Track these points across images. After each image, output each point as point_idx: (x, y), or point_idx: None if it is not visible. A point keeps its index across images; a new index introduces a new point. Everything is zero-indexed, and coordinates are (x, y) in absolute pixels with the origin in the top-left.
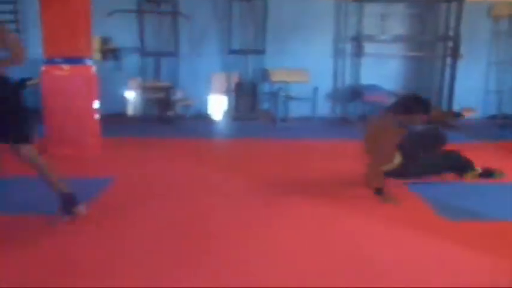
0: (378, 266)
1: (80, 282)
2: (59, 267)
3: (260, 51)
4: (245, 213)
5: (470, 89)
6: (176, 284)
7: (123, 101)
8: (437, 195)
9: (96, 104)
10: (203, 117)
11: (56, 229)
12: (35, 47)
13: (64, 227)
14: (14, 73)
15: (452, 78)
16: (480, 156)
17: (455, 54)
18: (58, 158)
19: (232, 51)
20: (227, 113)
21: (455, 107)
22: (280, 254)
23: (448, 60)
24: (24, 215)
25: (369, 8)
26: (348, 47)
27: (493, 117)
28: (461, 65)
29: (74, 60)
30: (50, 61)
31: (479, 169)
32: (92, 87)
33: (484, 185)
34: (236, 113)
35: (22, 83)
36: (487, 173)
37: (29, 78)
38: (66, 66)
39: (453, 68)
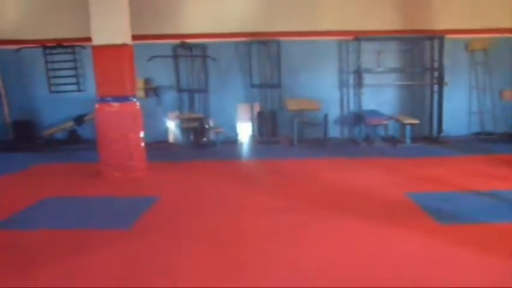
0: (382, 267)
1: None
2: (119, 270)
3: (276, 85)
4: (273, 223)
5: (456, 111)
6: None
7: (165, 130)
8: (432, 202)
9: (141, 134)
10: (232, 142)
11: (110, 239)
12: (90, 88)
13: (118, 237)
14: (76, 110)
15: (440, 102)
16: (467, 167)
17: (440, 82)
18: (110, 180)
19: (254, 85)
20: (252, 138)
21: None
22: (309, 255)
23: (435, 87)
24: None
25: (367, 46)
26: (351, 79)
27: (477, 134)
28: (446, 91)
29: (122, 98)
30: (102, 100)
31: None
32: (138, 120)
33: (468, 193)
34: (259, 137)
35: (81, 117)
36: None
37: (87, 114)
38: (115, 104)
39: (440, 93)
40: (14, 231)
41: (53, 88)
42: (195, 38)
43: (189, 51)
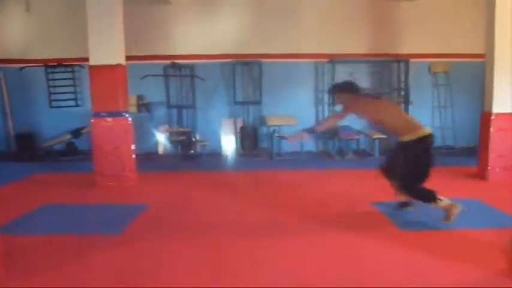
0: (347, 271)
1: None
2: (111, 273)
3: (258, 102)
4: (254, 231)
5: None
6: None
7: (155, 143)
8: (395, 212)
9: (133, 146)
10: (217, 154)
11: (103, 244)
12: (87, 104)
13: (111, 242)
14: (74, 123)
15: None
16: (430, 178)
17: (406, 101)
18: (104, 189)
19: (237, 103)
20: (235, 151)
21: None
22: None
23: (402, 106)
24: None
25: (340, 68)
26: (325, 97)
27: (439, 148)
28: (412, 109)
29: (115, 114)
30: (98, 115)
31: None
32: (129, 134)
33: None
34: (242, 150)
35: (79, 130)
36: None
37: (84, 127)
38: (109, 119)
39: (406, 111)
40: (14, 237)
41: (53, 103)
42: (184, 59)
43: (179, 70)
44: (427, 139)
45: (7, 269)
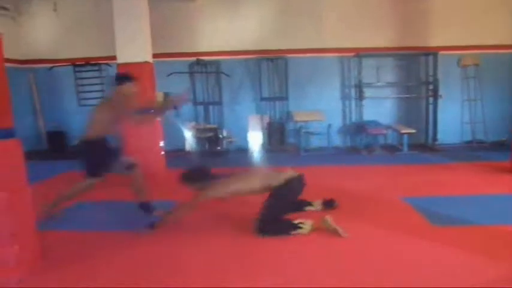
0: (380, 266)
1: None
2: (140, 269)
3: (284, 98)
4: None
5: (449, 121)
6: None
7: (182, 139)
8: (426, 206)
9: (161, 143)
10: (243, 151)
11: (134, 240)
12: None
13: (142, 238)
14: None
15: (435, 113)
16: (460, 173)
17: (435, 94)
18: None
19: (263, 99)
20: (262, 147)
21: (438, 136)
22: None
23: (430, 99)
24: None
25: (367, 62)
26: (352, 92)
27: (469, 142)
28: (440, 102)
29: (144, 111)
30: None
31: (318, 202)
32: (158, 131)
33: (464, 197)
34: (269, 146)
35: None
36: (328, 203)
37: None
38: (138, 116)
39: (435, 105)
40: (50, 231)
41: (82, 102)
42: (210, 55)
43: (204, 67)
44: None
45: (44, 261)
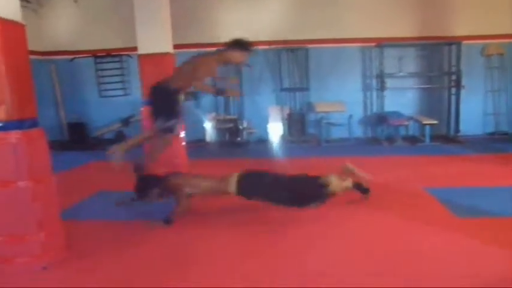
0: (403, 257)
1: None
2: (163, 260)
3: (305, 89)
4: (304, 215)
5: (472, 112)
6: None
7: (202, 130)
8: (449, 197)
9: (182, 134)
10: (264, 142)
11: (156, 230)
12: (137, 92)
13: (163, 228)
14: (122, 112)
15: (457, 104)
16: (483, 165)
17: (458, 85)
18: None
19: (283, 89)
20: (282, 138)
21: (461, 127)
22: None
23: (453, 90)
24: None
25: (388, 52)
26: (374, 82)
27: (492, 134)
28: (463, 93)
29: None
30: (147, 103)
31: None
32: None
33: (488, 188)
34: (289, 137)
35: (128, 119)
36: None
37: (133, 116)
38: None
39: (457, 96)
40: (74, 221)
41: (102, 93)
42: None
43: None
44: None
45: (68, 250)
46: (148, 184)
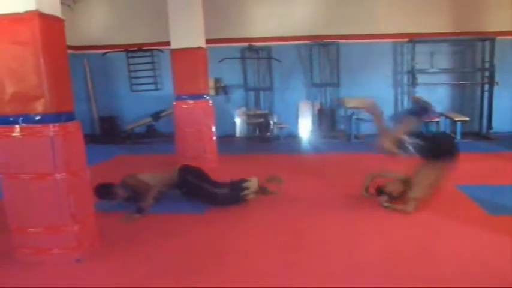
0: (437, 255)
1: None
2: (195, 252)
3: (335, 84)
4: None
5: (505, 109)
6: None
7: (233, 125)
8: (482, 194)
9: (213, 128)
10: (294, 137)
11: (187, 223)
12: (168, 87)
13: (194, 221)
14: (154, 106)
15: (490, 101)
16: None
17: (491, 81)
18: None
19: (314, 85)
20: (312, 133)
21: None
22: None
23: (486, 86)
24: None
25: (420, 48)
26: (405, 78)
27: None
28: (496, 90)
29: (196, 96)
30: (179, 97)
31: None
32: (210, 116)
33: None
34: (319, 132)
35: (158, 113)
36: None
37: (164, 110)
38: (190, 101)
39: (490, 92)
40: (106, 213)
41: (134, 87)
42: (261, 41)
43: (256, 53)
44: None
45: (102, 243)
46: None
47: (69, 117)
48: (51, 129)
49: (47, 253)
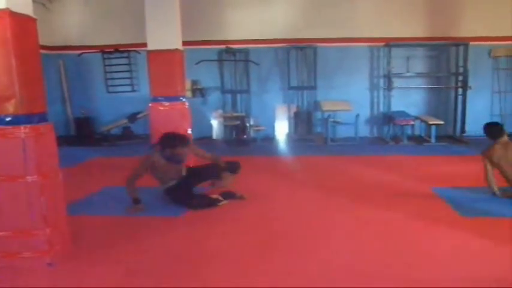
0: (410, 257)
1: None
2: (168, 257)
3: (312, 87)
4: (313, 214)
5: (478, 113)
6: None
7: (209, 127)
8: (455, 197)
9: (189, 130)
10: (270, 139)
11: (161, 226)
12: (144, 89)
13: (168, 225)
14: (130, 108)
15: (464, 105)
16: None
17: (465, 86)
18: None
19: (291, 88)
20: (289, 136)
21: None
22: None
23: (460, 90)
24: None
25: (396, 52)
26: (381, 82)
27: None
28: (470, 94)
29: (173, 98)
30: (155, 99)
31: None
32: (186, 118)
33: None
34: (296, 135)
35: (135, 115)
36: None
37: (140, 112)
38: (167, 103)
39: (464, 96)
40: (79, 216)
41: (110, 89)
42: (239, 43)
43: (233, 55)
44: None
45: (74, 246)
46: None
47: (42, 118)
48: (23, 130)
49: (17, 257)
